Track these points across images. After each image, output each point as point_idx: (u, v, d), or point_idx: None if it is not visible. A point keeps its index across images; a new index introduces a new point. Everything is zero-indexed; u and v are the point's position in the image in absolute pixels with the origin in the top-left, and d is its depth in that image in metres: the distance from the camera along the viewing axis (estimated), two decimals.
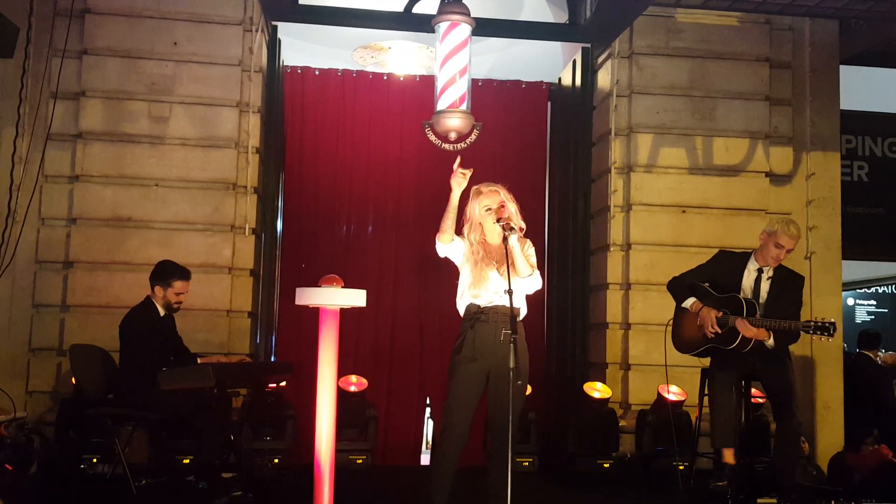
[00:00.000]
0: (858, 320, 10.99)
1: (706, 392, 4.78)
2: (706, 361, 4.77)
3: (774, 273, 4.58)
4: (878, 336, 7.09)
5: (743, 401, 4.74)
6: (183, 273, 4.82)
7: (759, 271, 4.59)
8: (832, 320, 4.32)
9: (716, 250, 4.95)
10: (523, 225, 3.79)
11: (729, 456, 4.41)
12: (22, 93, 5.74)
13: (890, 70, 7.70)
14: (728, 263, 4.67)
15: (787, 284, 4.60)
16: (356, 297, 3.49)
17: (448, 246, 3.82)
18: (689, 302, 4.60)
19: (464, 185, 3.77)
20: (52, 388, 5.63)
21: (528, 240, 3.87)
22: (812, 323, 4.33)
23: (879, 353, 7.29)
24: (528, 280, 3.75)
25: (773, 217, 4.89)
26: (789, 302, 4.55)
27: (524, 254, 3.74)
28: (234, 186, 5.89)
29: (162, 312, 4.80)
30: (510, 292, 3.50)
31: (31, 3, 5.79)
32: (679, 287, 4.70)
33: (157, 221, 5.77)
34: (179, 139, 5.84)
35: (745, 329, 4.35)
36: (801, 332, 4.43)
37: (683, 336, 4.71)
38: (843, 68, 6.67)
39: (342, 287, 3.45)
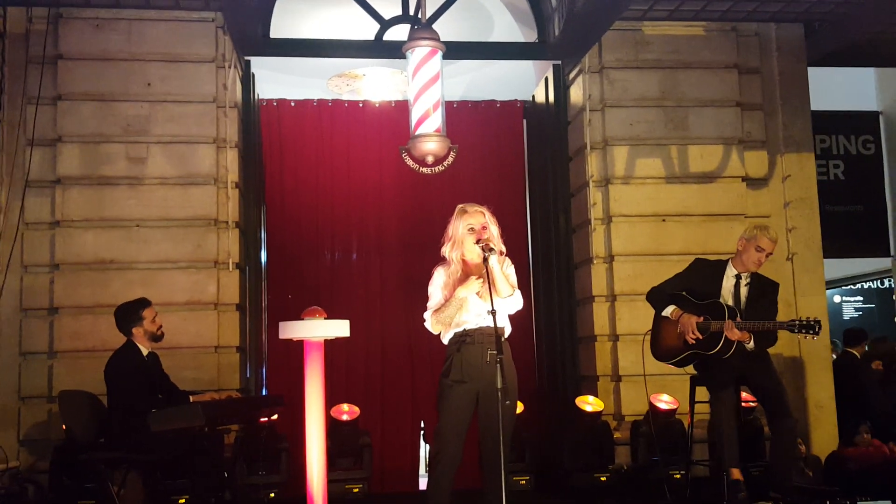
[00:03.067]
0: (846, 317, 11.06)
1: (697, 401, 4.81)
2: (684, 370, 4.78)
3: (752, 279, 4.64)
4: (863, 332, 7.10)
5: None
6: (142, 302, 4.83)
7: (738, 277, 4.64)
8: (817, 318, 4.36)
9: (698, 257, 4.99)
10: (503, 248, 3.81)
11: (738, 473, 4.40)
12: None
13: (858, 69, 7.84)
14: (705, 271, 4.71)
15: (765, 290, 4.66)
16: (340, 328, 3.50)
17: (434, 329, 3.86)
18: (668, 310, 4.64)
19: (476, 288, 3.73)
20: (44, 435, 5.59)
21: (508, 259, 3.89)
22: (797, 322, 4.37)
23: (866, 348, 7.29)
24: (510, 300, 3.76)
25: (749, 223, 4.94)
26: (768, 307, 4.60)
27: (504, 273, 3.77)
28: (216, 222, 5.90)
29: (145, 351, 4.79)
30: (493, 313, 3.53)
31: (2, 52, 5.83)
32: (658, 296, 4.74)
33: (139, 262, 5.78)
34: (158, 178, 5.86)
35: (731, 332, 4.37)
36: (788, 332, 4.45)
37: (662, 344, 4.73)
38: (812, 70, 6.77)
39: (325, 318, 3.46)
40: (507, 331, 3.86)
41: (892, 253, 8.25)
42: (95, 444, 4.71)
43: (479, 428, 3.81)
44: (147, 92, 5.88)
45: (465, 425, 3.79)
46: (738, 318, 4.41)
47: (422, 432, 6.48)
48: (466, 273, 3.81)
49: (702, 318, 4.49)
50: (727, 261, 4.71)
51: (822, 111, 7.11)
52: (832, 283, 10.17)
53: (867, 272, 10.43)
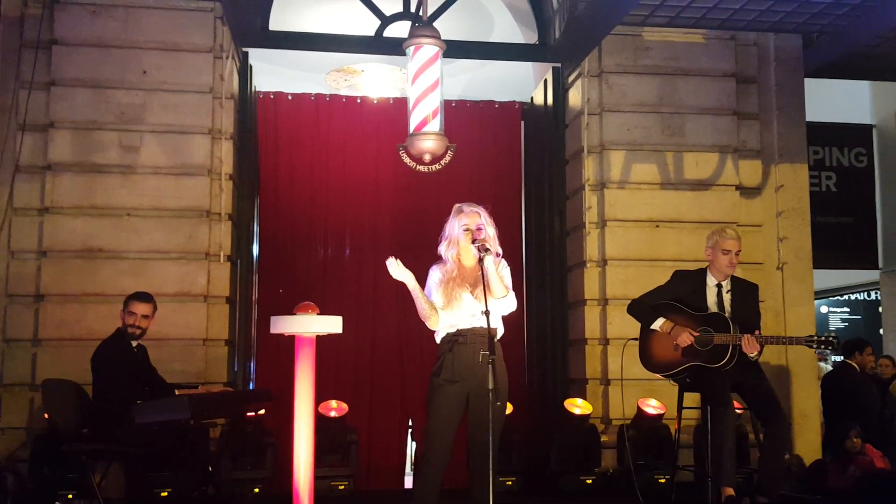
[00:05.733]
0: (833, 327, 11.11)
1: (685, 406, 4.80)
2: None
3: (732, 286, 4.62)
4: (859, 341, 6.93)
5: None
6: (138, 296, 4.74)
7: (719, 286, 4.61)
8: (835, 335, 4.38)
9: (690, 263, 4.98)
10: (500, 250, 3.79)
11: (731, 490, 4.38)
12: None
13: (853, 81, 7.88)
14: (687, 283, 4.66)
15: (746, 294, 4.63)
16: (332, 324, 3.47)
17: (439, 317, 3.75)
18: (658, 323, 4.57)
19: (399, 271, 3.64)
20: (26, 423, 5.53)
21: (504, 261, 3.88)
22: (815, 337, 4.41)
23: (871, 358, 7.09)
24: (503, 301, 3.74)
25: (708, 231, 4.90)
26: (751, 311, 4.58)
27: (498, 274, 3.74)
28: (208, 213, 5.85)
29: (135, 343, 4.73)
30: (487, 313, 3.51)
31: None
32: (642, 309, 4.68)
33: (129, 251, 5.72)
34: (151, 168, 5.81)
35: (752, 346, 4.34)
36: (805, 346, 4.47)
37: (657, 357, 4.64)
38: (808, 81, 6.80)
39: (318, 314, 3.43)
40: (500, 332, 3.84)
41: (880, 265, 8.31)
42: (78, 435, 4.65)
43: (469, 428, 3.78)
44: (142, 80, 5.83)
45: (455, 425, 3.77)
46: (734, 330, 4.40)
47: (409, 430, 6.46)
48: (462, 273, 3.78)
49: (698, 333, 4.47)
50: (705, 269, 4.67)
51: (816, 122, 7.14)
52: (820, 294, 10.21)
53: (855, 283, 10.50)
